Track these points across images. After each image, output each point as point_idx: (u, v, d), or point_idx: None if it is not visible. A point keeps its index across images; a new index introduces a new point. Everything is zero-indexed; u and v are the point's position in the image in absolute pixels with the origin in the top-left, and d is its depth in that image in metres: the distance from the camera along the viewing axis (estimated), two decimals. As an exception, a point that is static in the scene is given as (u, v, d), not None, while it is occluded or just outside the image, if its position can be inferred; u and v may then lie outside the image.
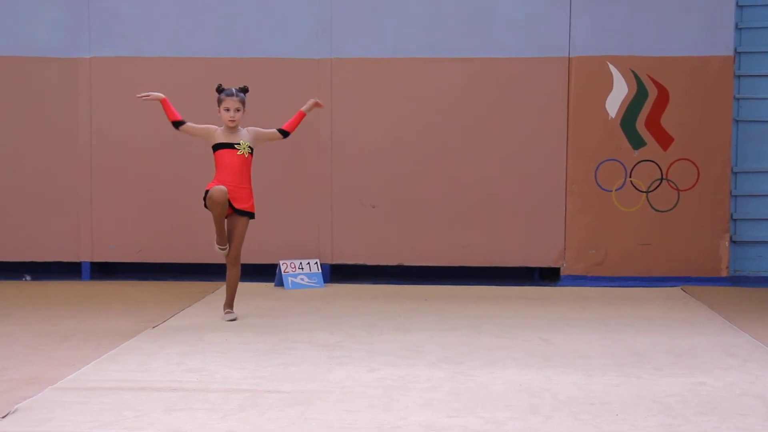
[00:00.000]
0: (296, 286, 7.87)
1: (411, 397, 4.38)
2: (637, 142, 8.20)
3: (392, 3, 8.23)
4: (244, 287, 7.68)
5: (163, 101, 6.32)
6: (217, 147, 6.23)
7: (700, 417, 4.10)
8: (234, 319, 6.27)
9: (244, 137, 6.26)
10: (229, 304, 6.39)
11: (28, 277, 8.35)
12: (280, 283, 7.89)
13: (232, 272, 6.30)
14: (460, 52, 8.20)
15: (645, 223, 8.23)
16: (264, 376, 4.76)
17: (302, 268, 7.98)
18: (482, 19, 8.19)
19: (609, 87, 8.16)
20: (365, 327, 6.14)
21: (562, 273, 8.28)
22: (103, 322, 6.26)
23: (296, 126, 6.45)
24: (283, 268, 7.90)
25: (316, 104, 6.56)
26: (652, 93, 8.15)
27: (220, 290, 7.54)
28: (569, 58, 8.15)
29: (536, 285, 8.22)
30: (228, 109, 6.19)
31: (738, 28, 8.29)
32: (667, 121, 8.16)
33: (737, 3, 8.21)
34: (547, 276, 8.43)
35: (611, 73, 8.15)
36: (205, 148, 8.28)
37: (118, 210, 8.30)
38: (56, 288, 7.84)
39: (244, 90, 6.30)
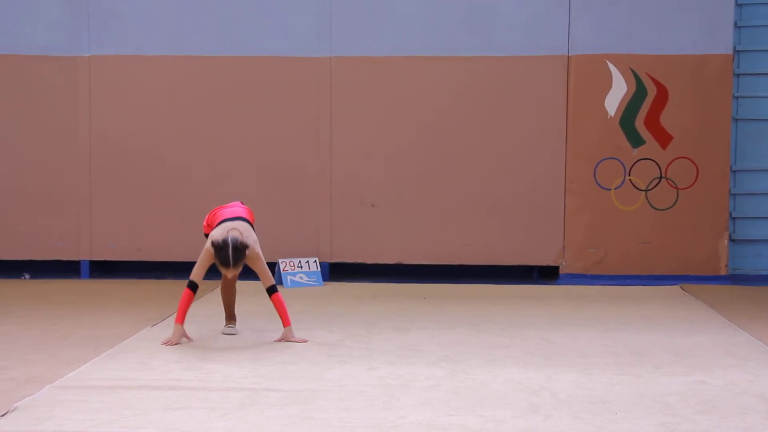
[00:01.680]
0: (295, 284, 7.86)
1: (410, 396, 4.38)
2: (636, 141, 8.20)
3: (392, 2, 8.22)
4: (243, 286, 7.67)
5: (179, 323, 5.48)
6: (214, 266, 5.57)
7: (700, 416, 4.10)
8: (235, 334, 5.84)
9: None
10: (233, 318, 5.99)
11: (27, 276, 8.34)
12: (279, 282, 7.88)
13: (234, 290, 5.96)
14: (459, 50, 8.20)
15: (644, 221, 8.23)
16: (263, 375, 4.76)
17: (301, 267, 7.98)
18: (482, 17, 8.19)
19: (608, 86, 8.15)
20: (365, 326, 6.14)
21: (562, 272, 8.28)
22: (103, 321, 6.25)
23: (277, 311, 5.62)
24: (282, 266, 7.90)
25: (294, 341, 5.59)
26: (652, 92, 8.15)
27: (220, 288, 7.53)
28: (568, 56, 8.15)
29: (535, 284, 8.22)
30: (226, 274, 5.57)
31: (737, 27, 8.29)
32: (666, 120, 8.16)
33: (736, 2, 8.22)
34: (547, 275, 8.42)
35: (610, 72, 8.15)
36: (207, 148, 8.30)
37: (118, 208, 8.29)
38: (56, 286, 7.84)
39: (244, 249, 5.39)
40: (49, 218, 8.32)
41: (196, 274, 5.44)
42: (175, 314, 5.51)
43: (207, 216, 5.84)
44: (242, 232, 5.47)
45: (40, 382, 4.57)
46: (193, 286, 5.44)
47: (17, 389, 4.45)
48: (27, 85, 8.28)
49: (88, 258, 8.35)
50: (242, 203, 6.00)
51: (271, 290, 5.54)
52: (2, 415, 3.98)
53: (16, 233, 8.32)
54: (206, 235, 5.70)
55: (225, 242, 5.34)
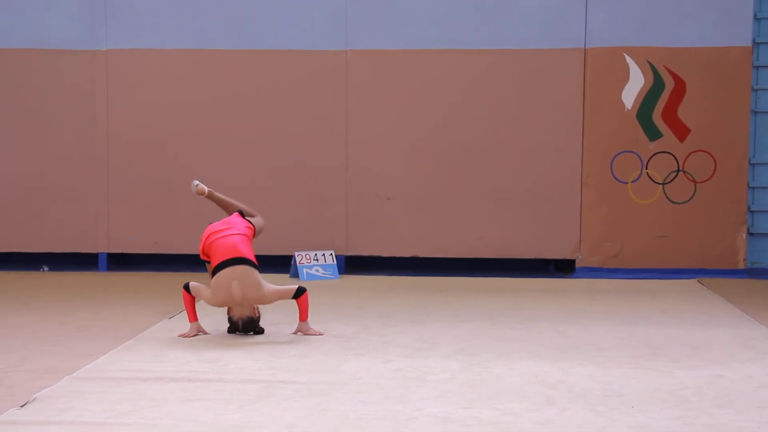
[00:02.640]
0: (311, 277, 7.88)
1: (426, 389, 4.39)
2: (653, 134, 8.16)
3: (408, -6, 8.21)
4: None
5: (193, 320, 5.53)
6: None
7: (717, 409, 4.09)
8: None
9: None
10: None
11: (46, 268, 8.40)
12: (295, 275, 7.91)
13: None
14: (475, 43, 8.18)
15: (661, 215, 8.19)
16: (279, 367, 4.78)
17: (317, 260, 8.00)
18: (497, 10, 8.17)
19: (625, 78, 8.12)
20: (380, 318, 6.15)
21: (578, 265, 8.26)
22: (120, 313, 6.29)
23: (300, 306, 5.56)
24: (298, 259, 7.92)
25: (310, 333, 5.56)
26: (669, 84, 8.10)
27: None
28: (585, 49, 8.12)
29: (551, 277, 8.20)
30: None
31: (756, 19, 8.22)
32: (684, 113, 8.12)
33: (755, -7, 8.16)
34: (563, 268, 8.40)
35: (627, 65, 8.11)
36: (223, 141, 8.32)
37: (135, 202, 8.33)
38: (74, 279, 7.89)
39: (254, 321, 5.49)
40: (67, 211, 8.37)
41: (194, 288, 5.44)
42: (187, 314, 5.52)
43: (202, 239, 5.63)
44: (243, 283, 5.33)
45: (58, 373, 4.60)
46: (188, 288, 5.45)
47: (36, 380, 4.48)
48: (45, 79, 8.33)
49: (106, 250, 8.40)
50: (240, 214, 5.84)
51: (299, 293, 5.50)
52: (22, 406, 4.02)
53: (34, 226, 8.38)
54: (204, 261, 5.68)
55: (236, 325, 5.47)
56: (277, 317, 6.11)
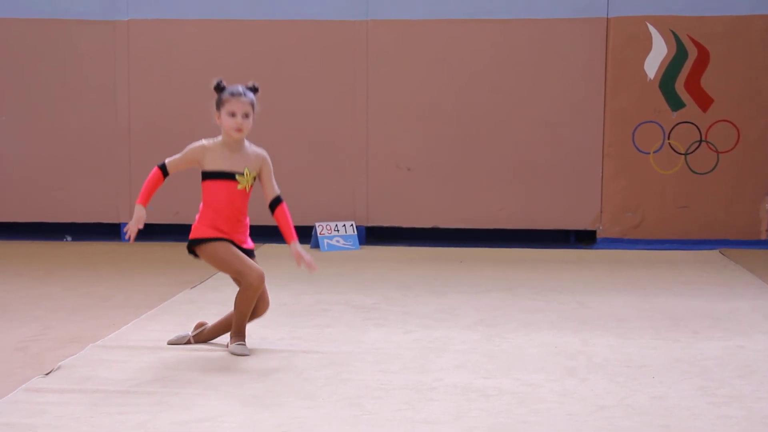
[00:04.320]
0: (332, 248, 7.91)
1: (446, 359, 4.41)
2: (675, 104, 8.09)
3: (428, -37, 8.15)
4: (279, 249, 7.73)
5: (141, 204, 4.75)
6: (209, 176, 4.48)
7: (738, 380, 4.08)
8: (247, 354, 4.47)
9: (250, 161, 4.51)
10: (240, 333, 4.54)
11: (69, 238, 8.48)
12: (316, 245, 7.93)
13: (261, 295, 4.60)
14: (495, 13, 8.12)
15: (683, 185, 8.14)
16: (300, 337, 4.81)
17: (338, 231, 8.02)
18: (519, -21, 8.09)
19: (648, 48, 8.04)
20: (401, 289, 6.16)
21: (599, 236, 8.23)
22: (143, 283, 6.35)
23: (280, 226, 4.57)
24: (318, 230, 7.94)
25: (304, 263, 4.48)
26: (692, 53, 8.02)
27: (257, 252, 7.60)
28: (607, 18, 8.04)
29: (572, 248, 8.19)
30: (233, 114, 4.46)
31: (782, -13, 8.11)
32: (707, 82, 8.04)
33: (782, -40, 8.04)
34: (584, 239, 8.39)
35: (650, 34, 8.03)
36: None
37: (156, 172, 8.36)
38: (96, 249, 7.96)
39: (254, 90, 4.57)
40: (90, 181, 8.43)
41: (173, 166, 4.59)
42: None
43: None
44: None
45: (82, 342, 4.66)
46: (165, 172, 4.58)
47: (60, 349, 4.54)
48: (66, 50, 8.35)
49: (128, 221, 8.42)
50: None
51: (277, 201, 4.52)
52: (47, 374, 4.07)
53: (57, 196, 8.45)
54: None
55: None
56: (299, 287, 6.14)
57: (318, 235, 7.92)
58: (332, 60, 8.24)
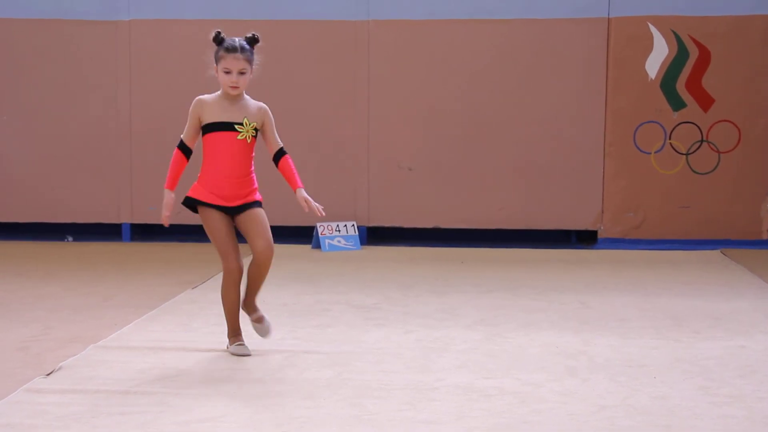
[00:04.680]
0: (333, 248, 7.91)
1: (447, 359, 4.41)
2: (677, 104, 8.08)
3: (429, -37, 8.15)
4: (281, 249, 7.73)
5: (168, 188, 4.50)
6: (208, 128, 4.35)
7: (739, 380, 4.08)
8: (248, 354, 4.44)
9: (250, 112, 4.41)
10: (236, 332, 4.50)
11: (70, 238, 8.48)
12: (317, 246, 7.94)
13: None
14: (497, 13, 8.12)
15: (684, 185, 8.14)
16: (301, 337, 4.81)
17: (339, 231, 8.02)
18: (520, -21, 8.09)
19: (649, 48, 8.04)
20: (401, 289, 6.17)
21: (600, 236, 8.23)
22: (144, 283, 6.35)
23: (285, 175, 4.49)
24: (320, 230, 7.94)
25: (311, 208, 4.54)
26: (693, 53, 8.01)
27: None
28: (609, 18, 8.04)
29: (573, 248, 8.19)
30: (229, 72, 4.35)
31: (783, -13, 8.10)
32: (708, 82, 8.03)
33: (783, -40, 8.03)
34: (585, 239, 8.38)
35: (651, 34, 8.02)
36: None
37: (158, 172, 8.35)
38: (98, 249, 7.97)
39: (253, 41, 4.42)
40: (91, 182, 8.43)
41: (188, 137, 4.42)
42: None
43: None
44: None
45: (83, 342, 4.66)
46: (184, 149, 4.41)
47: (61, 349, 4.54)
48: (68, 50, 8.36)
49: (129, 221, 8.46)
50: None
51: (281, 153, 4.45)
52: (48, 374, 4.08)
53: (59, 196, 8.45)
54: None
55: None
56: (299, 287, 6.14)
57: (319, 235, 7.93)
58: (334, 60, 8.24)
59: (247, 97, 4.46)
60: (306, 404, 3.73)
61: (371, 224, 8.37)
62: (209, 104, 4.39)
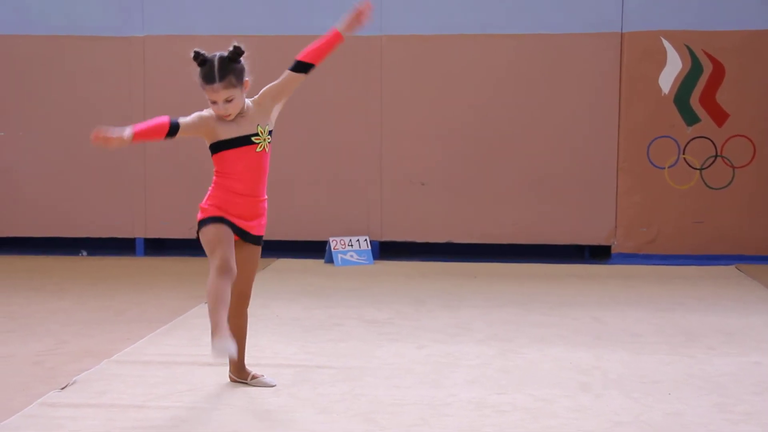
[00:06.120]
0: (346, 263, 7.91)
1: (460, 374, 4.40)
2: (691, 119, 8.07)
3: (442, -21, 8.17)
4: (294, 264, 7.76)
5: (135, 136, 3.90)
6: (221, 146, 3.99)
7: (755, 397, 4.05)
8: (233, 353, 3.88)
9: (259, 117, 4.07)
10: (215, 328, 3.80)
11: (84, 253, 8.52)
12: (330, 260, 7.94)
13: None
14: (509, 28, 8.13)
15: (698, 200, 8.11)
16: (314, 352, 4.81)
17: (352, 245, 8.02)
18: (533, -6, 8.11)
19: (662, 62, 8.03)
20: (414, 304, 6.16)
21: (613, 251, 8.20)
22: (157, 298, 6.37)
23: (325, 54, 4.38)
24: (332, 245, 7.95)
25: (359, 15, 4.42)
26: (707, 68, 8.00)
27: (271, 266, 7.63)
28: (622, 33, 8.04)
29: (586, 263, 8.16)
30: (215, 102, 3.94)
31: (797, 1, 8.09)
32: (722, 97, 8.01)
33: (798, -26, 8.02)
34: (598, 254, 8.36)
35: (665, 49, 8.02)
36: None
37: (171, 187, 8.41)
38: (111, 263, 8.00)
39: (236, 54, 3.99)
40: (105, 197, 8.47)
41: (185, 126, 4.02)
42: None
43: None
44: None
45: (97, 356, 4.68)
46: (174, 127, 3.98)
47: (75, 363, 4.56)
48: (82, 66, 8.41)
49: (143, 236, 8.49)
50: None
51: (295, 63, 4.29)
52: (62, 389, 4.09)
53: (73, 211, 8.49)
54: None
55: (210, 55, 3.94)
56: (309, 302, 6.15)
57: (332, 249, 7.93)
58: (346, 74, 8.27)
59: (248, 101, 4.06)
60: (319, 419, 3.72)
61: (384, 239, 8.37)
62: (222, 121, 3.97)
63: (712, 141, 8.07)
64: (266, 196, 4.12)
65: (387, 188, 8.31)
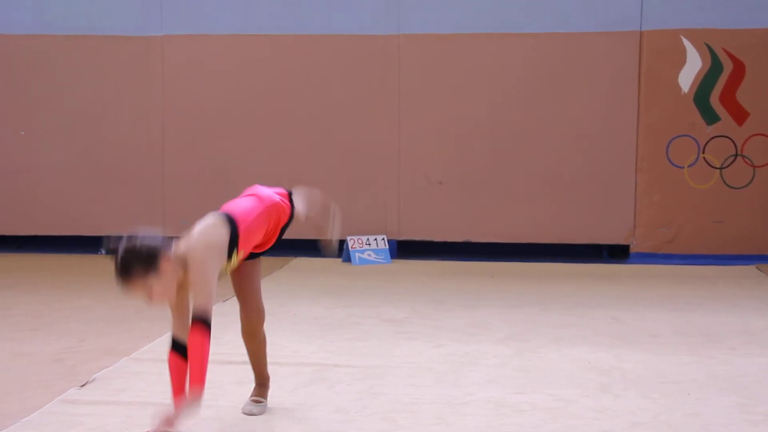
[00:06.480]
0: (363, 261, 7.91)
1: (478, 373, 4.39)
2: (710, 118, 8.02)
3: (460, -22, 8.16)
4: (312, 263, 7.77)
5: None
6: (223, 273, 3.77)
7: (775, 398, 4.02)
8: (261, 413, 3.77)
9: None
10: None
11: (104, 251, 8.55)
12: (348, 259, 7.95)
13: (253, 345, 3.89)
14: (527, 27, 8.11)
15: (718, 200, 8.06)
16: (332, 351, 4.82)
17: (369, 244, 8.03)
18: (551, -7, 8.08)
19: (682, 61, 7.98)
20: (432, 303, 6.15)
21: (632, 251, 8.16)
22: (176, 296, 6.38)
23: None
24: (350, 244, 7.95)
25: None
26: (728, 67, 7.95)
27: (289, 265, 7.64)
28: (641, 32, 8.00)
29: (605, 263, 8.13)
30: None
31: (818, -1, 8.02)
32: (742, 96, 7.96)
33: (818, -28, 7.96)
34: (616, 254, 8.32)
35: (684, 47, 7.97)
36: (275, 126, 8.38)
37: (189, 186, 8.44)
38: (130, 262, 8.02)
39: (127, 263, 3.57)
40: (125, 195, 8.51)
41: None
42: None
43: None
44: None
45: (116, 354, 4.70)
46: (177, 347, 3.48)
47: (95, 361, 4.59)
48: (101, 65, 8.46)
49: (162, 234, 8.51)
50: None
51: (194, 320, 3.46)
52: (82, 386, 4.11)
53: (94, 210, 8.54)
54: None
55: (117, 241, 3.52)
56: (330, 301, 6.15)
57: (350, 248, 7.94)
58: (364, 74, 8.27)
59: (184, 256, 3.64)
60: (337, 418, 3.73)
61: (401, 238, 8.37)
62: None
63: (732, 140, 8.02)
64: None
65: (404, 187, 8.31)
